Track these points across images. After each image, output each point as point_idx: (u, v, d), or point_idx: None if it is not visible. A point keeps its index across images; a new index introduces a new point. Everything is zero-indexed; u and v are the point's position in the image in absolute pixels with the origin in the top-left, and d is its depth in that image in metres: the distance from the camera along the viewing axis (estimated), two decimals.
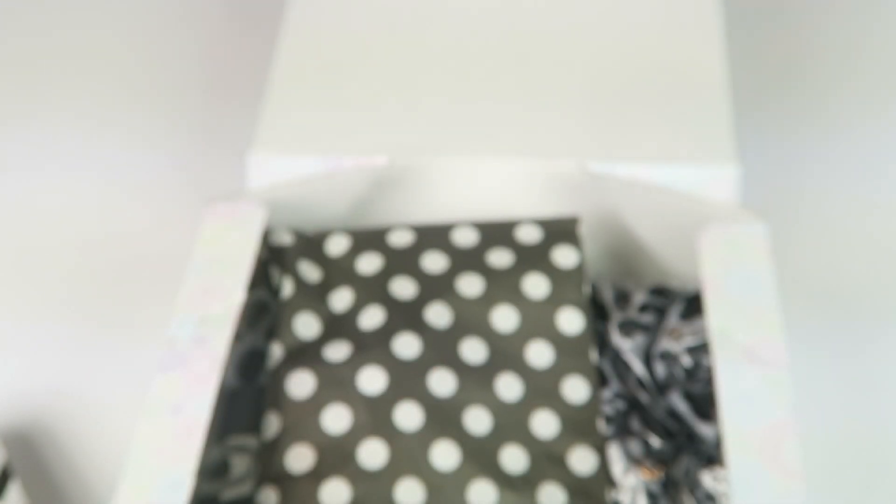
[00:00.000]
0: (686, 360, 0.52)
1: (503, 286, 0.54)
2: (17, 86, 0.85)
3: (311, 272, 0.55)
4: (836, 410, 0.64)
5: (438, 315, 0.53)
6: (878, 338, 0.67)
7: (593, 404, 0.52)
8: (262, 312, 0.56)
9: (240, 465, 0.53)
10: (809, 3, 0.88)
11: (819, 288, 0.70)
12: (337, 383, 0.51)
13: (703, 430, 0.52)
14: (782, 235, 0.60)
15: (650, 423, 0.53)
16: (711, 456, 0.51)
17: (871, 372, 0.66)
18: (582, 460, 0.50)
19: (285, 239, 0.56)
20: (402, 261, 0.56)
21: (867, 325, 0.68)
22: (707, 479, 0.50)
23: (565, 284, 0.54)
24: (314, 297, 0.55)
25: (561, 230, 0.56)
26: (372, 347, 0.52)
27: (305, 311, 0.54)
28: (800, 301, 0.67)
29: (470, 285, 0.54)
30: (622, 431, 0.52)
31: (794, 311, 0.57)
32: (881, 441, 0.63)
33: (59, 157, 0.81)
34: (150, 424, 0.48)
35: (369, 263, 0.56)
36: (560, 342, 0.53)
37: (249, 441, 0.53)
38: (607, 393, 0.53)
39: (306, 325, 0.54)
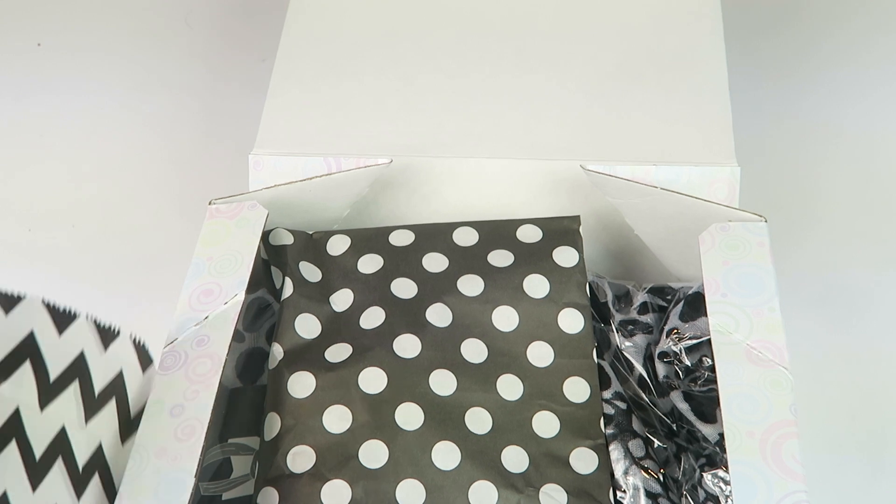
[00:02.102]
0: (686, 360, 0.52)
1: (504, 286, 0.54)
2: (16, 84, 0.85)
3: (311, 272, 0.55)
4: (836, 410, 0.64)
5: (439, 315, 0.53)
6: (877, 337, 0.67)
7: (594, 404, 0.52)
8: (263, 312, 0.56)
9: (241, 465, 0.53)
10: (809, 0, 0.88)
11: (819, 287, 0.70)
12: (338, 383, 0.51)
13: (704, 429, 0.52)
14: (782, 235, 0.60)
15: (651, 423, 0.53)
16: (712, 456, 0.51)
17: (870, 371, 0.66)
18: (583, 460, 0.50)
19: (286, 239, 0.56)
20: (402, 261, 0.56)
21: (867, 325, 0.68)
22: (708, 478, 0.50)
23: (566, 284, 0.54)
24: (315, 297, 0.55)
25: (561, 230, 0.56)
26: (373, 347, 0.52)
27: (306, 312, 0.54)
28: (800, 301, 0.67)
29: (470, 285, 0.54)
30: (623, 431, 0.52)
31: (794, 311, 0.57)
32: (881, 441, 0.63)
33: (57, 156, 0.81)
34: (151, 424, 0.47)
35: (370, 263, 0.56)
36: (561, 342, 0.53)
37: (250, 441, 0.53)
38: (608, 393, 0.53)
39: (307, 325, 0.54)
